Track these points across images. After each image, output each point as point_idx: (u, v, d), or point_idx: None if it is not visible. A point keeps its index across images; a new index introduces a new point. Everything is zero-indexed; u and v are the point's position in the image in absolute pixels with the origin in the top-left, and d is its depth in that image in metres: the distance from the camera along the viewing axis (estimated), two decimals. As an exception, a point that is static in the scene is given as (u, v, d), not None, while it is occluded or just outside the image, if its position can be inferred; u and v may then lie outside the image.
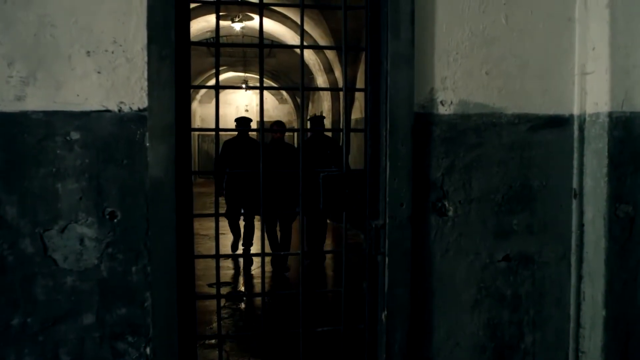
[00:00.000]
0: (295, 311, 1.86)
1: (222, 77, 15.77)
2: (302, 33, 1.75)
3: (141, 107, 1.58)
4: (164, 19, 1.55)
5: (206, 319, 3.82)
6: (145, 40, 1.57)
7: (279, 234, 5.60)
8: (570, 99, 1.79)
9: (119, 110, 1.58)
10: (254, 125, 6.09)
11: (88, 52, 1.56)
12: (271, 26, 8.57)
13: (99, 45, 1.56)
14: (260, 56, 1.70)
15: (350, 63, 7.30)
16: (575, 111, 1.79)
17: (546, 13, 1.76)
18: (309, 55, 9.08)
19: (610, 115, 1.68)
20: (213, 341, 3.21)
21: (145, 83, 1.58)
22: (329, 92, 9.78)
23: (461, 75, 1.72)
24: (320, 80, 9.75)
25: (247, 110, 18.14)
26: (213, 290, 4.61)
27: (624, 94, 1.68)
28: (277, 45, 2.00)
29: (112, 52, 1.57)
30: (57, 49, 1.54)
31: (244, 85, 17.46)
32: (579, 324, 1.81)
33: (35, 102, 1.54)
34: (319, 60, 8.85)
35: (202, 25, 8.47)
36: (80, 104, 1.56)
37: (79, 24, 1.55)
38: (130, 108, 1.58)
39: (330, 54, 8.46)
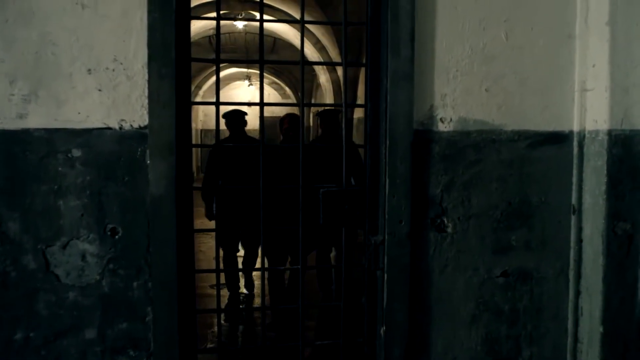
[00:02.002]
0: (296, 322, 1.88)
1: (224, 72, 15.76)
2: (302, 49, 1.75)
3: (142, 125, 1.59)
4: (164, 38, 1.56)
5: (207, 321, 3.85)
6: (145, 59, 1.57)
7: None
8: (570, 116, 1.79)
9: (120, 128, 1.59)
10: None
11: (89, 70, 1.57)
12: (274, 24, 8.56)
13: (100, 63, 1.57)
14: (260, 73, 1.71)
15: (353, 59, 7.28)
16: (575, 128, 1.79)
17: (546, 30, 1.76)
18: (311, 53, 9.06)
19: (609, 133, 1.68)
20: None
21: (146, 101, 1.58)
22: (332, 89, 9.76)
23: (461, 93, 1.72)
24: (323, 78, 9.75)
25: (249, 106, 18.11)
26: (215, 292, 4.61)
27: (623, 112, 1.68)
28: (278, 62, 2.01)
29: (113, 70, 1.58)
30: (59, 67, 1.55)
31: (246, 83, 17.44)
32: (576, 338, 1.82)
33: (37, 119, 1.55)
34: (321, 58, 8.84)
35: (204, 22, 8.46)
36: (82, 122, 1.57)
37: (80, 42, 1.56)
38: (131, 126, 1.59)
39: (333, 52, 8.45)
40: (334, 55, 8.49)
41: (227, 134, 4.31)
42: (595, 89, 1.72)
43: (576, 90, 1.78)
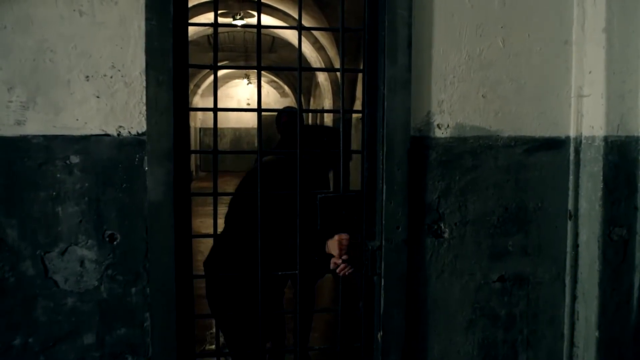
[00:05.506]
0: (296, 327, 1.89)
1: (223, 71, 15.75)
2: (300, 56, 1.76)
3: (140, 132, 1.60)
4: (162, 45, 1.56)
5: (205, 322, 3.86)
6: (143, 65, 1.58)
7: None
8: (567, 122, 1.80)
9: (118, 135, 1.59)
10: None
11: (87, 77, 1.57)
12: (272, 23, 8.55)
13: (98, 70, 1.57)
14: (258, 79, 1.71)
15: (351, 60, 7.27)
16: (572, 133, 1.80)
17: (543, 36, 1.76)
18: (310, 53, 9.06)
19: (605, 139, 1.69)
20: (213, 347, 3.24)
21: (144, 107, 1.59)
22: (330, 88, 9.76)
23: (458, 99, 1.73)
24: (322, 77, 9.74)
25: (248, 104, 18.10)
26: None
27: (619, 118, 1.69)
28: (276, 68, 2.00)
29: (111, 77, 1.58)
30: (57, 74, 1.56)
31: (245, 82, 17.43)
32: (572, 343, 1.84)
33: (35, 126, 1.56)
34: (320, 58, 8.84)
35: (202, 22, 8.45)
36: (80, 129, 1.58)
37: (78, 50, 1.56)
38: (129, 132, 1.60)
39: (332, 52, 8.44)
40: (333, 54, 8.49)
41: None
42: (591, 95, 1.73)
43: (572, 96, 1.79)
